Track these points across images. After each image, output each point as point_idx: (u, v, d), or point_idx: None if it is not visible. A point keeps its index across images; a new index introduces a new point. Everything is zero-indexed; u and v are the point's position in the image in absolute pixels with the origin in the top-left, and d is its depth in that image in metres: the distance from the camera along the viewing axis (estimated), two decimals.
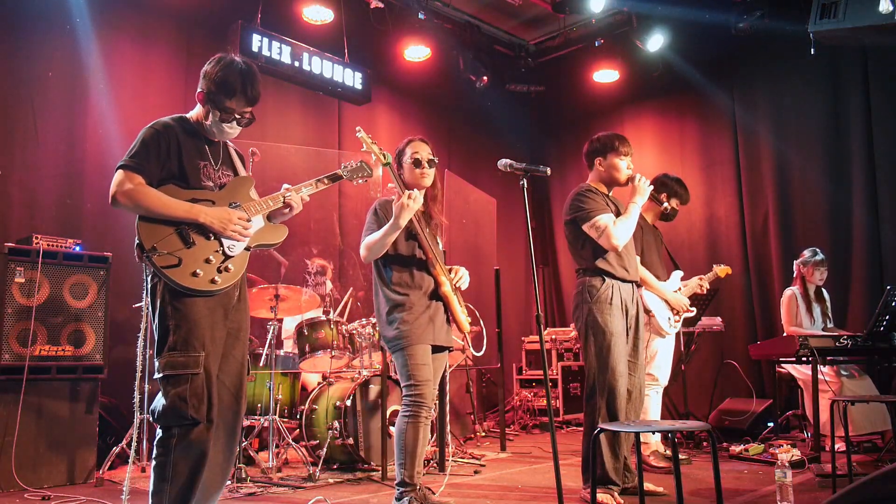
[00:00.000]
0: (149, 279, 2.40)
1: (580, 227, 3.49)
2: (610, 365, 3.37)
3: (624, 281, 3.51)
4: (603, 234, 3.41)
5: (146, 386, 4.26)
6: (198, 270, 2.35)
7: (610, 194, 3.66)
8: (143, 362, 2.45)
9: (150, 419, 2.38)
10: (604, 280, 3.45)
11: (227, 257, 2.44)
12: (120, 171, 2.36)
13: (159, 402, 2.33)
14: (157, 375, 2.33)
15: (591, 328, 3.42)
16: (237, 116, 2.51)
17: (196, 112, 2.57)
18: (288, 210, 2.65)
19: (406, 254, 3.21)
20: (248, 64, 2.52)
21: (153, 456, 2.34)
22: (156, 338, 2.36)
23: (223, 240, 2.44)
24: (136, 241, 2.34)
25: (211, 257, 2.40)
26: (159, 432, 2.34)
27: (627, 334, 3.52)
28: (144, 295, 2.42)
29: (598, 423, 3.29)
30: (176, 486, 2.28)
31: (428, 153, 3.28)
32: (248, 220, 2.49)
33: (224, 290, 2.43)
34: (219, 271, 2.40)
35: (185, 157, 2.45)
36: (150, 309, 2.42)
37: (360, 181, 2.90)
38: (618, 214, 3.55)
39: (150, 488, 2.32)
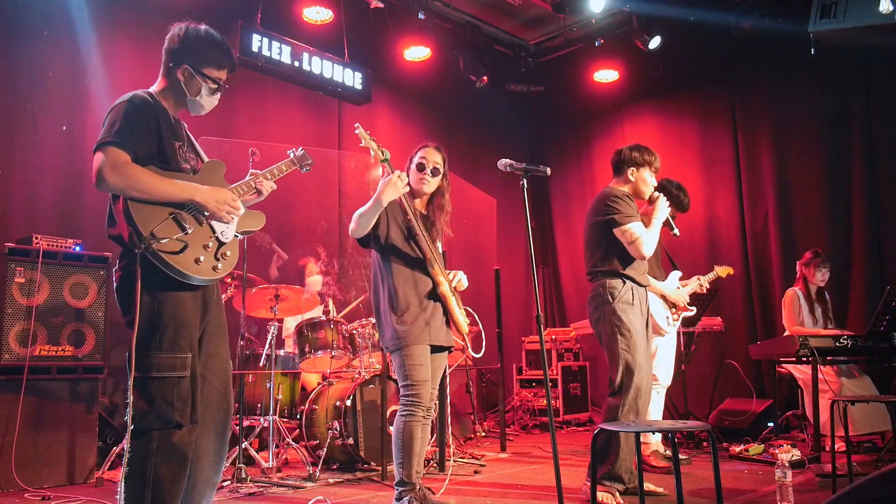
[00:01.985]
0: (130, 268, 2.18)
1: (610, 230, 3.52)
2: (638, 362, 3.43)
3: (640, 285, 3.58)
4: (634, 244, 3.46)
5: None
6: (200, 257, 2.23)
7: None
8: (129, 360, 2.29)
9: (127, 419, 2.18)
10: (624, 282, 3.52)
11: (221, 243, 2.32)
12: (103, 149, 2.15)
13: (140, 402, 2.16)
14: (138, 374, 2.16)
15: (617, 328, 3.46)
16: (221, 86, 2.46)
17: (160, 87, 2.41)
18: (255, 196, 2.55)
19: (406, 253, 3.22)
20: (215, 31, 2.49)
21: (128, 459, 2.14)
22: (135, 332, 2.16)
23: (214, 225, 2.31)
24: (129, 228, 2.13)
25: (209, 243, 2.28)
26: (135, 433, 2.15)
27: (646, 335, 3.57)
28: (137, 287, 2.17)
29: (621, 420, 3.34)
30: (158, 489, 2.13)
31: (435, 161, 3.29)
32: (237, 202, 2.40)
33: (219, 279, 2.36)
34: (217, 258, 2.29)
35: (164, 135, 2.30)
36: (124, 300, 2.22)
37: (306, 169, 2.80)
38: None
39: (126, 493, 2.13)
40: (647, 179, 3.66)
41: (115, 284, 2.29)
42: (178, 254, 2.18)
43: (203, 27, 2.44)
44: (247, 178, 2.54)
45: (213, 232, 2.32)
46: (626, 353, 3.43)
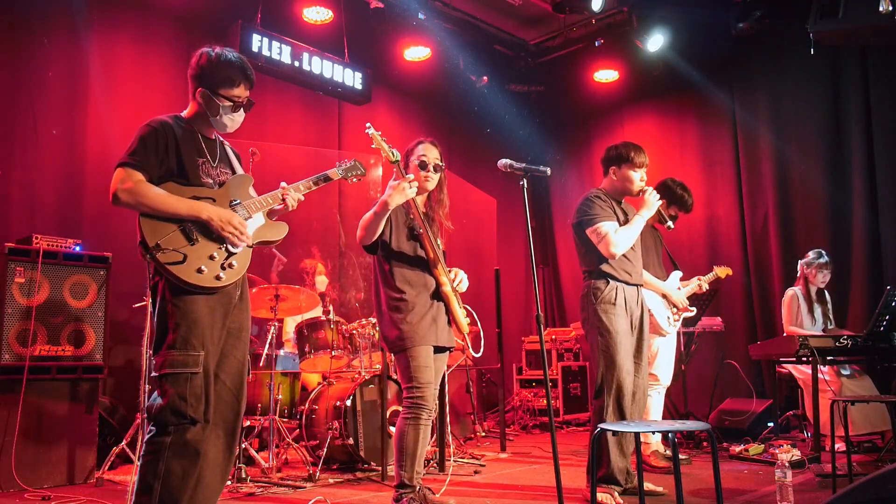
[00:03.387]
0: (151, 277, 2.40)
1: (584, 232, 3.54)
2: (617, 362, 3.41)
3: (628, 284, 3.55)
4: (602, 241, 3.47)
5: (147, 386, 4.25)
6: (202, 267, 2.35)
7: (621, 201, 3.70)
8: (147, 361, 2.44)
9: (146, 417, 2.35)
10: (608, 282, 3.51)
11: (230, 254, 2.44)
12: (120, 169, 2.35)
13: (156, 399, 2.31)
14: (154, 373, 2.32)
15: (597, 328, 3.47)
16: (243, 103, 2.56)
17: (190, 110, 2.57)
18: (283, 207, 2.66)
19: (409, 253, 3.21)
20: (232, 50, 2.59)
21: (143, 453, 2.30)
22: (154, 335, 2.36)
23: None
24: (139, 239, 2.33)
25: (215, 254, 2.40)
26: (152, 430, 2.31)
27: (632, 335, 3.55)
28: (150, 294, 2.42)
29: (606, 421, 3.32)
30: (168, 484, 2.25)
31: (435, 157, 3.28)
32: (246, 222, 2.50)
33: (228, 287, 2.44)
34: (223, 268, 2.41)
35: (184, 154, 2.45)
36: (151, 307, 2.42)
37: (355, 180, 2.92)
38: (625, 222, 3.60)
39: (137, 486, 2.27)
40: (629, 177, 3.63)
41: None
42: (180, 264, 2.33)
43: (217, 50, 2.55)
44: (278, 189, 2.64)
45: (224, 243, 2.44)
46: (606, 353, 3.43)
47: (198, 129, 2.55)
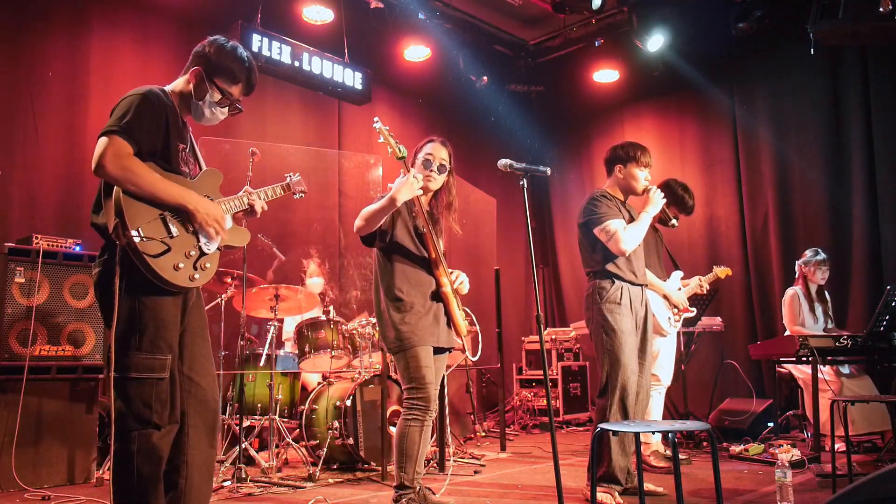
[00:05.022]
0: (110, 265, 2.17)
1: (592, 231, 3.55)
2: (622, 362, 3.42)
3: (633, 284, 3.56)
4: (612, 239, 3.48)
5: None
6: (180, 264, 2.19)
7: (626, 201, 3.72)
8: (104, 356, 2.29)
9: (107, 419, 2.24)
10: (613, 282, 3.52)
11: (202, 254, 2.28)
12: (107, 137, 2.12)
13: (118, 401, 2.16)
14: (117, 374, 2.15)
15: (603, 328, 3.48)
16: (233, 103, 2.45)
17: (177, 87, 2.41)
18: (246, 213, 2.52)
19: (411, 252, 3.17)
20: (248, 52, 2.49)
21: (113, 459, 2.17)
22: (115, 332, 2.15)
23: (199, 235, 2.29)
24: (116, 220, 2.11)
25: (192, 251, 2.25)
26: (117, 434, 2.16)
27: (636, 334, 3.56)
28: (115, 284, 2.15)
29: (609, 420, 3.33)
30: (143, 489, 2.15)
31: (442, 157, 3.21)
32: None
33: (194, 288, 2.33)
34: (195, 268, 2.26)
35: (171, 135, 2.28)
36: (102, 297, 2.22)
37: (298, 195, 2.79)
38: (631, 220, 3.61)
39: (114, 493, 2.15)
40: (635, 175, 3.65)
41: (94, 279, 2.27)
42: (159, 256, 2.15)
43: (234, 43, 2.43)
44: (240, 192, 2.52)
45: (198, 241, 2.29)
46: (611, 352, 3.44)
47: (180, 109, 2.39)
